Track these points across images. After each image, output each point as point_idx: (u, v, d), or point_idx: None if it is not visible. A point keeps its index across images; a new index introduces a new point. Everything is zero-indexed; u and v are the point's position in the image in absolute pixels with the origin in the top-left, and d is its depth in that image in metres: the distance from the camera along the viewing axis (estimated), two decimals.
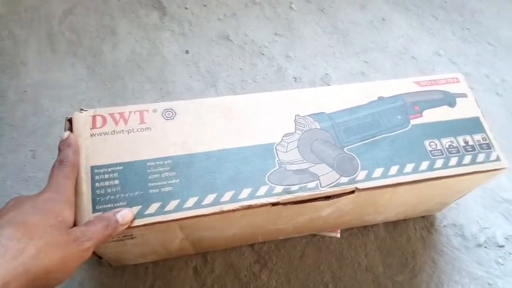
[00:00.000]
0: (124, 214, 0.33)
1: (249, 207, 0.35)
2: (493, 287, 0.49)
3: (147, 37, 0.65)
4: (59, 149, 0.34)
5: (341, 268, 0.49)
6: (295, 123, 0.40)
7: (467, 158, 0.40)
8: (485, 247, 0.52)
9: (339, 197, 0.37)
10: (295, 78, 0.64)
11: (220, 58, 0.64)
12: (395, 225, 0.52)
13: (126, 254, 0.42)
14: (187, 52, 0.64)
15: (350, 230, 0.51)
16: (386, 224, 0.52)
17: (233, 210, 0.35)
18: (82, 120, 0.37)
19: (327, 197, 0.37)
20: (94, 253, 0.39)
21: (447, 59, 0.68)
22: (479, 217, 0.54)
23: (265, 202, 0.35)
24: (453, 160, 0.39)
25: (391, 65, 0.67)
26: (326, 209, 0.40)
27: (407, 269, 0.50)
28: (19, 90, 0.57)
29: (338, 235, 0.51)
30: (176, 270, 0.47)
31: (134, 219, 0.33)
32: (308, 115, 0.40)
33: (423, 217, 0.53)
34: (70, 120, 0.38)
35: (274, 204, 0.36)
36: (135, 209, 0.34)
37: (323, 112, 0.41)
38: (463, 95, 0.44)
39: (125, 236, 0.35)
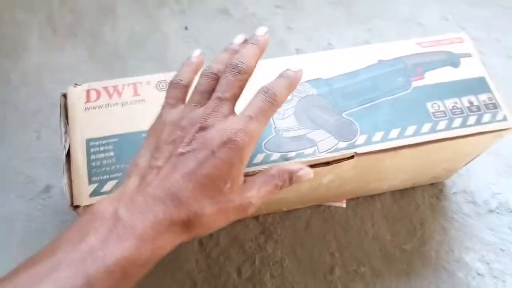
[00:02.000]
0: (304, 175, 0.31)
1: (246, 174, 0.35)
2: (505, 253, 0.48)
3: (146, 15, 0.64)
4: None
5: (347, 237, 0.48)
6: None
7: (472, 119, 0.38)
8: (498, 213, 0.50)
9: (337, 162, 0.36)
10: (297, 50, 0.62)
11: (220, 33, 0.63)
12: (402, 194, 0.51)
13: None
14: (186, 28, 0.63)
15: (356, 199, 0.50)
16: (393, 192, 0.51)
17: None
18: (76, 94, 0.37)
19: (326, 163, 0.36)
20: None
21: (455, 24, 0.65)
22: (491, 183, 0.52)
23: (261, 169, 0.35)
24: (457, 121, 0.38)
25: (397, 32, 0.64)
26: (326, 176, 0.39)
27: (415, 237, 0.49)
28: (21, 73, 0.57)
29: (344, 205, 0.50)
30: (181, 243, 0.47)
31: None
32: (305, 81, 0.39)
33: (432, 184, 0.52)
34: (65, 96, 0.38)
35: None
36: None
37: (320, 78, 0.40)
38: (468, 55, 0.42)
39: None
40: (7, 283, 0.21)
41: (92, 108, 0.37)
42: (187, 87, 0.31)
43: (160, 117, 0.30)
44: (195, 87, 0.31)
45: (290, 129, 0.37)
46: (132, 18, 0.64)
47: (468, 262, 0.47)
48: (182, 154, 0.27)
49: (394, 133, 0.37)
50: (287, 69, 0.31)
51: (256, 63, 0.31)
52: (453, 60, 0.42)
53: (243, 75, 0.29)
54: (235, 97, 0.29)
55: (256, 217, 0.49)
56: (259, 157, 0.35)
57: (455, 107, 0.39)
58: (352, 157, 0.36)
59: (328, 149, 0.36)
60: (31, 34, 0.61)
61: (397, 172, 0.43)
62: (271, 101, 0.29)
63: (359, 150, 0.36)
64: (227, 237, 0.47)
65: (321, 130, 0.37)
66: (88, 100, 0.37)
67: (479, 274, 0.47)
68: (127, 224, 0.24)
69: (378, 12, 0.67)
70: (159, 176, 0.26)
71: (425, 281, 0.46)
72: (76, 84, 0.38)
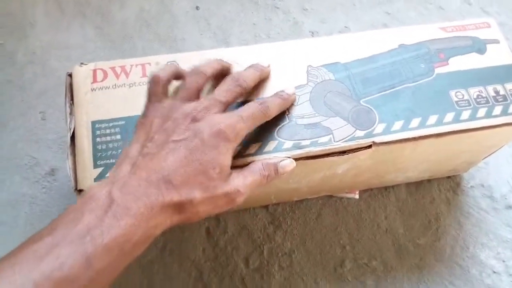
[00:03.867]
0: (286, 165, 0.33)
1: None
2: None
3: None
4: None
5: (359, 230, 0.47)
6: (307, 75, 0.37)
7: (497, 109, 0.36)
8: None
9: (354, 152, 0.34)
10: (312, 33, 0.60)
11: (232, 14, 0.60)
12: (417, 186, 0.49)
13: None
14: (197, 8, 0.61)
15: (369, 191, 0.49)
16: (408, 185, 0.49)
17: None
18: (82, 74, 0.36)
19: (342, 152, 0.34)
20: None
21: (479, 8, 0.62)
22: (510, 177, 0.50)
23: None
24: (482, 111, 0.36)
25: (416, 15, 0.62)
26: (341, 166, 0.37)
27: (430, 232, 0.47)
28: (27, 52, 0.56)
29: (357, 196, 0.48)
30: (188, 231, 0.46)
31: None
32: (321, 66, 0.37)
33: (448, 177, 0.50)
34: (70, 75, 0.36)
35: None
36: None
37: (338, 62, 0.38)
38: (495, 41, 0.39)
39: None
40: (8, 261, 0.23)
41: (99, 89, 0.35)
42: (169, 81, 0.33)
43: (147, 110, 0.31)
44: (185, 84, 0.32)
45: (304, 116, 0.35)
46: None
47: (483, 259, 0.46)
48: (174, 141, 0.28)
49: (415, 122, 0.35)
50: (283, 90, 0.35)
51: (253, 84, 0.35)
52: (479, 46, 0.39)
53: (242, 89, 0.33)
54: (228, 104, 0.32)
55: (265, 207, 0.47)
56: (271, 145, 0.34)
57: (480, 96, 0.36)
58: (369, 146, 0.34)
59: (344, 138, 0.34)
60: (37, 12, 0.59)
61: (416, 163, 0.41)
62: (263, 111, 0.32)
63: (377, 139, 0.34)
64: (236, 226, 0.46)
65: (337, 117, 0.35)
66: (94, 80, 0.35)
67: (494, 271, 0.45)
68: (122, 205, 0.25)
69: None
70: (152, 162, 0.28)
71: (438, 277, 0.45)
72: (82, 64, 0.36)
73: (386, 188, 0.49)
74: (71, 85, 0.35)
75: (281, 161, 0.32)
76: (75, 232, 0.24)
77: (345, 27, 0.60)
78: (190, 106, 0.30)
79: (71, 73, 0.36)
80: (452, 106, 0.36)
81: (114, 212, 0.25)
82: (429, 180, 0.50)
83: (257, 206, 0.47)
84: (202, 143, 0.28)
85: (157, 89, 0.31)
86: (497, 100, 0.36)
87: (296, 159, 0.33)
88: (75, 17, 0.60)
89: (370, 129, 0.35)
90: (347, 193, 0.48)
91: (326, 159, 0.34)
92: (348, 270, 0.45)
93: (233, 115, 0.30)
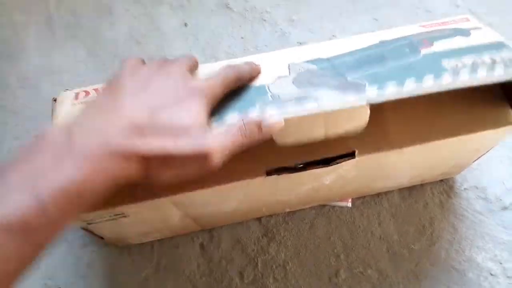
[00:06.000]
0: (272, 123, 0.29)
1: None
2: None
3: (144, 13, 0.63)
4: None
5: (353, 238, 0.47)
6: (289, 69, 0.34)
7: (499, 69, 0.33)
8: (511, 209, 0.48)
9: (338, 163, 0.34)
10: (300, 43, 0.60)
11: (220, 29, 0.61)
12: (410, 191, 0.49)
13: (126, 234, 0.41)
14: (185, 25, 0.62)
15: (362, 198, 0.49)
16: (401, 190, 0.49)
17: None
18: (66, 96, 0.36)
19: (326, 163, 0.34)
20: (95, 234, 0.39)
21: (467, 10, 0.62)
22: (504, 178, 0.50)
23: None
24: (482, 70, 0.33)
25: (404, 21, 0.62)
26: (327, 177, 0.38)
27: (424, 237, 0.47)
28: (20, 76, 0.57)
29: (349, 205, 0.48)
30: (182, 247, 0.46)
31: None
32: (303, 62, 0.36)
33: (441, 180, 0.50)
34: (55, 100, 0.37)
35: (268, 173, 0.33)
36: None
37: (320, 58, 0.36)
38: (477, 28, 0.38)
39: (117, 215, 0.34)
40: None
41: (79, 104, 0.35)
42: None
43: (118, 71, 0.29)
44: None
45: (288, 94, 0.32)
46: (130, 15, 0.63)
47: (480, 262, 0.45)
48: (144, 88, 0.27)
49: (410, 82, 0.32)
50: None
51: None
52: (462, 32, 0.38)
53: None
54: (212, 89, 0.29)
55: (258, 219, 0.47)
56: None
57: (475, 63, 0.33)
58: (353, 155, 0.34)
59: (335, 102, 0.31)
60: (30, 37, 0.60)
61: (403, 170, 0.41)
62: (235, 70, 0.31)
63: (372, 100, 0.31)
64: (229, 240, 0.46)
65: (325, 88, 0.32)
66: (76, 98, 0.36)
67: (491, 274, 0.45)
68: (79, 147, 0.23)
69: (384, 0, 0.64)
70: (120, 109, 0.26)
71: (435, 282, 0.45)
72: (66, 90, 0.37)
73: (378, 194, 0.49)
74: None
75: (269, 118, 0.29)
76: (27, 174, 0.22)
77: (333, 35, 0.61)
78: (169, 65, 0.29)
79: (56, 98, 0.37)
80: (448, 70, 0.33)
81: (71, 155, 0.23)
82: (421, 185, 0.49)
83: (250, 219, 0.47)
84: (175, 95, 0.27)
85: (131, 61, 0.30)
86: (495, 62, 0.33)
87: (279, 174, 0.33)
88: (66, 39, 0.61)
89: (361, 93, 0.32)
90: (339, 201, 0.48)
91: (310, 171, 0.34)
92: (343, 280, 0.44)
93: (208, 78, 0.29)
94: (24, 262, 0.23)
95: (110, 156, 0.24)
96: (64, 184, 0.22)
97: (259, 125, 0.28)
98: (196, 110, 0.27)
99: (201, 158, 0.26)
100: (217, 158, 0.27)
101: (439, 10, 0.63)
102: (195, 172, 0.27)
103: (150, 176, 0.26)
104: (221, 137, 0.27)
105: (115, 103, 0.26)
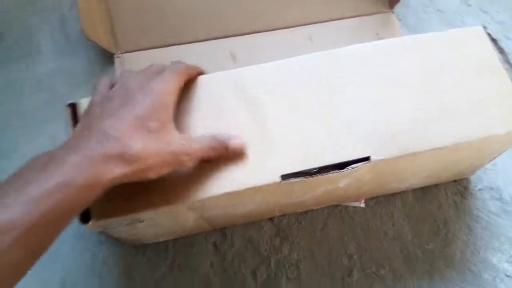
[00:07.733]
0: (237, 145, 0.33)
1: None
2: None
3: None
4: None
5: (366, 238, 0.47)
6: None
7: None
8: None
9: (353, 168, 0.34)
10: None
11: None
12: (424, 191, 0.49)
13: (141, 235, 0.42)
14: None
15: (376, 198, 0.49)
16: (415, 190, 0.49)
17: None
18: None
19: (341, 169, 0.34)
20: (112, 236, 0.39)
21: (478, 9, 0.62)
22: None
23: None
24: None
25: (415, 21, 0.62)
26: (342, 181, 0.37)
27: (439, 237, 0.47)
28: (35, 79, 0.57)
29: (363, 205, 0.48)
30: (196, 246, 0.46)
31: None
32: None
33: (455, 181, 0.50)
34: (71, 105, 0.36)
35: (284, 178, 0.33)
36: None
37: None
38: None
39: (134, 220, 0.34)
40: None
41: None
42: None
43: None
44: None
45: None
46: None
47: (495, 263, 0.45)
48: (108, 101, 0.30)
49: None
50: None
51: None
52: None
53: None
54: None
55: (270, 219, 0.48)
56: None
57: None
58: (368, 159, 0.34)
59: None
60: (44, 40, 0.61)
61: (417, 172, 0.41)
62: (184, 66, 0.35)
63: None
64: (242, 239, 0.47)
65: None
66: None
67: (507, 276, 0.44)
68: (60, 157, 0.26)
69: None
70: (96, 121, 0.29)
71: (449, 283, 0.44)
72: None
73: (392, 194, 0.49)
74: (72, 114, 0.36)
75: (233, 140, 0.33)
76: (19, 184, 0.24)
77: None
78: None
79: (74, 103, 0.36)
80: None
81: (53, 163, 0.25)
82: (436, 185, 0.49)
83: (263, 219, 0.47)
84: (135, 98, 0.30)
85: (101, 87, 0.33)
86: None
87: (295, 179, 0.33)
88: (80, 42, 0.61)
89: None
90: (353, 201, 0.48)
91: (326, 176, 0.34)
92: (356, 280, 0.44)
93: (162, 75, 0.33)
94: (20, 269, 0.24)
95: (88, 162, 0.26)
96: (49, 186, 0.24)
97: (226, 147, 0.32)
98: (161, 109, 0.30)
99: (174, 155, 0.30)
100: (188, 158, 0.30)
101: (449, 8, 0.63)
102: (174, 166, 0.30)
103: (138, 173, 0.28)
104: (192, 142, 0.31)
105: (89, 120, 0.30)
